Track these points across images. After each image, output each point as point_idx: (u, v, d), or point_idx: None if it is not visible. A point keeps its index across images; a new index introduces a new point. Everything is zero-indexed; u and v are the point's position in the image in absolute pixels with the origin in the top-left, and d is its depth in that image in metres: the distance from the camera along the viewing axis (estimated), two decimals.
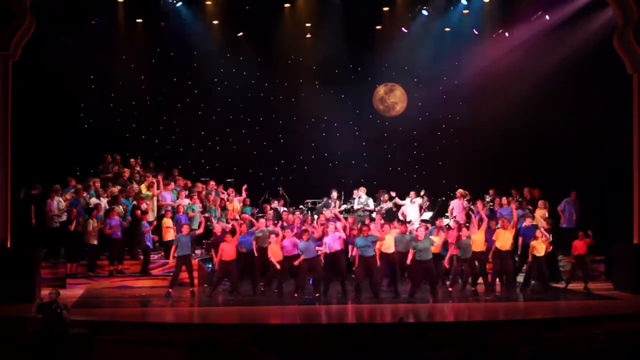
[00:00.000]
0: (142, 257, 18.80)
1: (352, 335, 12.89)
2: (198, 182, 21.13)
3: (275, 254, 17.04)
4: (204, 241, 19.51)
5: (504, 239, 17.69)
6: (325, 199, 21.36)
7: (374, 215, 20.36)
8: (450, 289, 17.54)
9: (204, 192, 20.58)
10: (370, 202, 21.16)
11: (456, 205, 20.38)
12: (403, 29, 23.68)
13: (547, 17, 22.11)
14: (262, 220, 18.31)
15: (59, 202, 18.72)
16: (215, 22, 23.09)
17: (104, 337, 12.86)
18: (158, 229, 19.16)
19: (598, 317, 14.70)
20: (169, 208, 19.49)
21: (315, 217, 20.31)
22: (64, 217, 18.64)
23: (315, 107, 23.98)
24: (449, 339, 12.51)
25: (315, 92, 23.99)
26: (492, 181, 21.37)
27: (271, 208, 20.35)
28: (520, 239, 18.30)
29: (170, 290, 17.10)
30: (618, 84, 19.03)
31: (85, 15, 21.81)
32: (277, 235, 17.36)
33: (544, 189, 20.36)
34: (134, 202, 19.20)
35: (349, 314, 15.91)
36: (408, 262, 16.96)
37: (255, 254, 17.24)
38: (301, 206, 21.59)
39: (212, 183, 21.21)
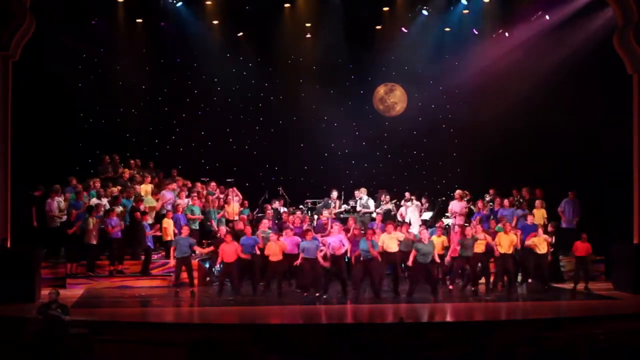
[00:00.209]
0: (143, 257, 18.82)
1: (352, 335, 12.87)
2: (198, 182, 21.15)
3: (273, 253, 17.04)
4: (204, 241, 19.49)
5: (505, 243, 17.62)
6: (325, 199, 21.35)
7: (374, 215, 20.36)
8: (450, 287, 17.58)
9: (204, 192, 20.59)
10: (371, 202, 21.15)
11: (455, 206, 20.37)
12: (403, 29, 23.68)
13: (547, 17, 22.10)
14: (265, 221, 18.33)
15: (59, 203, 18.72)
16: (215, 22, 23.09)
17: (104, 337, 12.86)
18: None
19: (598, 317, 14.71)
20: (169, 208, 19.50)
21: (315, 217, 20.33)
22: (65, 218, 18.65)
23: (315, 107, 23.99)
24: (449, 339, 12.52)
25: (315, 92, 23.97)
26: (492, 181, 21.37)
27: (272, 208, 20.36)
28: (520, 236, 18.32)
29: (177, 290, 17.17)
30: (618, 84, 19.03)
31: (85, 15, 21.80)
32: (277, 234, 17.40)
33: (544, 189, 20.35)
34: (133, 204, 19.21)
35: (349, 314, 15.92)
36: (409, 263, 16.97)
37: (257, 252, 17.25)
38: (301, 206, 21.59)
39: (213, 184, 21.20)
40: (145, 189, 20.23)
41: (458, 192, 20.58)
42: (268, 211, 20.01)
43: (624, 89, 18.61)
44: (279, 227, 19.04)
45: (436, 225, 18.78)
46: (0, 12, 16.62)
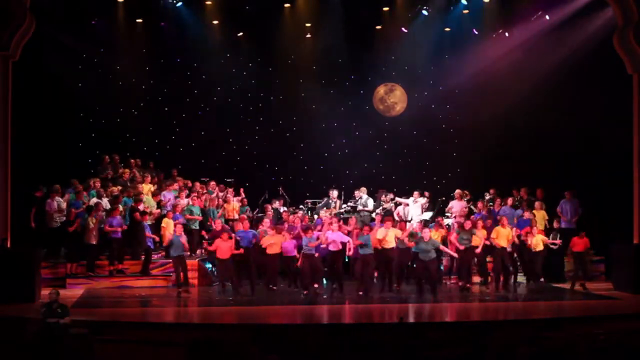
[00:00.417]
0: (143, 257, 18.82)
1: (352, 335, 12.89)
2: (197, 182, 21.15)
3: (271, 245, 17.07)
4: (204, 241, 19.50)
5: (503, 237, 17.75)
6: (325, 199, 21.36)
7: (373, 215, 20.35)
8: (449, 283, 17.68)
9: (204, 192, 20.59)
10: (370, 202, 21.13)
11: (455, 206, 20.37)
12: (403, 29, 23.68)
13: (547, 17, 22.09)
14: (266, 220, 18.35)
15: (59, 203, 18.72)
16: (215, 22, 23.09)
17: (104, 337, 12.86)
18: (158, 229, 19.14)
19: (598, 317, 14.71)
20: (169, 208, 19.50)
21: (315, 217, 20.33)
22: (64, 218, 18.65)
23: (315, 107, 23.99)
24: (449, 339, 12.52)
25: (315, 92, 23.97)
26: (492, 181, 21.37)
27: (272, 208, 20.36)
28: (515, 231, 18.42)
29: (180, 290, 17.18)
30: (618, 84, 19.02)
31: (85, 15, 21.80)
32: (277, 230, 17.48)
33: (544, 189, 20.36)
34: (132, 204, 19.21)
35: (349, 314, 15.92)
36: (409, 255, 17.09)
37: (253, 242, 17.33)
38: (301, 206, 21.59)
39: (213, 183, 21.22)
40: (147, 188, 20.24)
41: (458, 192, 20.60)
42: (268, 211, 20.00)
43: (624, 89, 18.61)
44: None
45: (435, 220, 18.91)
46: (0, 12, 16.62)
